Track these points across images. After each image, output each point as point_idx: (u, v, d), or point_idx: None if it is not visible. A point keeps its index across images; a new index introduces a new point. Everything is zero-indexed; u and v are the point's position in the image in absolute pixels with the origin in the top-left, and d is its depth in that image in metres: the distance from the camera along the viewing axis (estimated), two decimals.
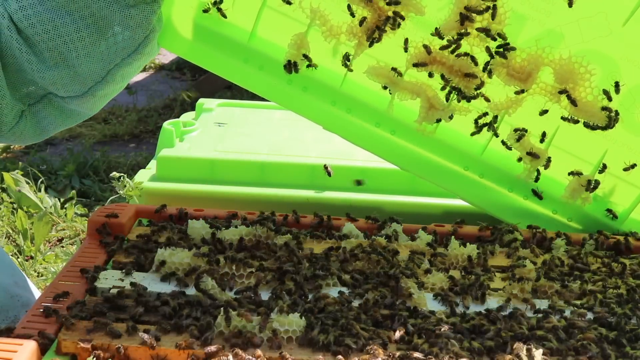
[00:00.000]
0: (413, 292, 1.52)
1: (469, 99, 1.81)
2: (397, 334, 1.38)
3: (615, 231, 1.90)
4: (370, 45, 1.79)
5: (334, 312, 1.43)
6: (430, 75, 1.80)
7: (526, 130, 1.85)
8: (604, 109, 1.79)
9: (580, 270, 1.69)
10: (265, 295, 1.51)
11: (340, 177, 2.12)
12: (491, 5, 1.73)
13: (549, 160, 1.86)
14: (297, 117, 2.57)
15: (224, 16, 1.81)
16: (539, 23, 1.78)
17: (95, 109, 1.86)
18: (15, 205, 4.05)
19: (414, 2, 1.76)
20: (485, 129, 1.85)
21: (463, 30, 1.75)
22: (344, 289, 1.54)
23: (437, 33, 1.76)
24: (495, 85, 1.82)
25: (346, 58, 1.80)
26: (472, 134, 1.86)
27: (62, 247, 3.87)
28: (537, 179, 1.88)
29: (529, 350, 1.32)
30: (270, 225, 1.75)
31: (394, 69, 1.81)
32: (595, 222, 1.92)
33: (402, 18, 1.76)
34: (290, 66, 1.81)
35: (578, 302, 1.56)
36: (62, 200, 4.14)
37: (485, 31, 1.74)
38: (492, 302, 1.53)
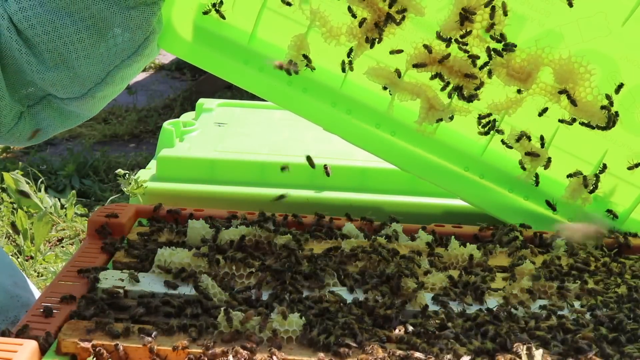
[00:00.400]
0: (413, 292, 1.52)
1: (468, 99, 1.81)
2: (397, 334, 1.38)
3: (615, 231, 1.90)
4: (372, 46, 1.79)
5: (334, 312, 1.43)
6: (433, 77, 1.80)
7: (527, 136, 1.84)
8: (603, 107, 1.79)
9: (580, 270, 1.69)
10: (265, 295, 1.51)
11: (341, 177, 2.12)
12: (491, 6, 1.73)
13: (549, 160, 1.86)
14: (297, 117, 2.57)
15: (223, 17, 1.81)
16: (538, 23, 1.78)
17: (95, 110, 1.86)
18: (15, 205, 4.05)
19: (414, 2, 1.77)
20: (491, 130, 1.84)
21: (463, 32, 1.75)
22: (344, 289, 1.54)
23: (440, 36, 1.76)
24: (495, 86, 1.82)
25: (348, 55, 1.80)
26: (481, 134, 1.85)
27: (62, 247, 3.87)
28: (537, 183, 1.88)
29: (528, 350, 1.32)
30: (270, 225, 1.74)
31: (396, 70, 1.81)
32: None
33: (403, 12, 1.75)
34: (285, 69, 1.81)
35: (578, 302, 1.56)
36: (62, 200, 4.14)
37: (490, 27, 1.73)
38: (492, 302, 1.53)
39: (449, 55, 1.78)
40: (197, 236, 1.72)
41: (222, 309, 1.37)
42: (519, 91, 1.81)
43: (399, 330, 1.39)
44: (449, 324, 1.42)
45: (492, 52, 1.77)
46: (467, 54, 1.78)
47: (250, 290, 1.52)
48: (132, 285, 1.52)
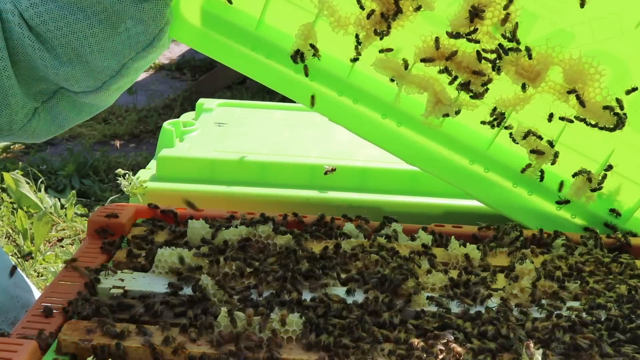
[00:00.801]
0: (413, 292, 1.52)
1: (476, 96, 1.80)
2: (397, 334, 1.38)
3: (618, 230, 1.90)
4: (380, 38, 1.78)
5: (334, 312, 1.43)
6: (441, 72, 1.79)
7: (534, 133, 1.84)
8: (612, 111, 1.78)
9: (579, 270, 1.69)
10: (265, 295, 1.51)
11: (340, 177, 2.12)
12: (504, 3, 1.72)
13: (556, 155, 1.86)
14: (297, 117, 2.58)
15: (230, 2, 1.80)
16: (550, 22, 1.77)
17: (110, 101, 1.85)
18: (15, 205, 4.05)
19: None
20: (499, 122, 1.84)
21: (472, 28, 1.74)
22: (344, 289, 1.54)
23: (450, 35, 1.76)
24: (504, 82, 1.81)
25: (355, 46, 1.79)
26: (488, 123, 1.84)
27: (62, 247, 3.87)
28: (541, 178, 1.88)
29: (528, 350, 1.32)
30: (270, 225, 1.74)
31: (404, 60, 1.80)
32: (598, 219, 1.91)
33: (418, 9, 1.74)
34: (297, 56, 1.81)
35: (577, 302, 1.56)
36: (62, 200, 4.14)
37: (503, 20, 1.72)
38: (492, 302, 1.53)
39: (456, 52, 1.77)
40: (197, 236, 1.72)
41: (223, 309, 1.37)
42: (523, 87, 1.79)
43: (399, 331, 1.39)
44: (449, 324, 1.42)
45: (500, 51, 1.76)
46: (475, 52, 1.77)
47: (250, 290, 1.52)
48: (132, 285, 1.52)
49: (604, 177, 1.87)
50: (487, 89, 1.80)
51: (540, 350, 1.34)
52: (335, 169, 2.08)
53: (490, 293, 1.56)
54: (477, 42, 1.76)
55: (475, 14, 1.73)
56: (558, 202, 1.90)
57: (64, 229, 4.00)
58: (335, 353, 1.31)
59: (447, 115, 1.83)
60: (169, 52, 7.68)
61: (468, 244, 1.74)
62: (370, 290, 1.53)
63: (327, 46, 1.82)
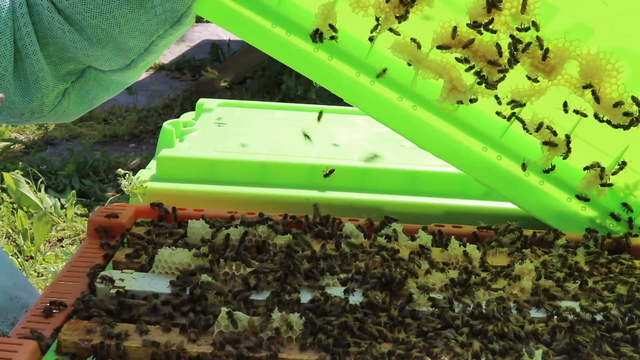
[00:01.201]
0: (413, 292, 1.52)
1: (490, 85, 1.80)
2: (397, 334, 1.38)
3: (621, 219, 1.90)
4: (399, 22, 1.77)
5: (334, 313, 1.43)
6: (457, 60, 1.79)
7: (547, 126, 1.84)
8: (624, 113, 1.78)
9: (579, 270, 1.69)
10: (265, 295, 1.51)
11: (341, 177, 2.12)
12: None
13: (568, 150, 1.85)
14: (297, 117, 2.58)
15: None
16: (569, 16, 1.76)
17: (136, 77, 1.87)
18: (15, 205, 4.05)
19: None
20: (516, 108, 1.83)
21: (489, 18, 1.74)
22: (344, 289, 1.54)
23: (470, 25, 1.75)
24: (520, 72, 1.80)
25: (374, 27, 1.79)
26: (502, 114, 1.83)
27: (62, 247, 3.87)
28: (552, 168, 1.87)
29: (529, 350, 1.32)
30: (270, 225, 1.74)
31: (413, 40, 1.79)
32: (608, 212, 1.91)
33: None
34: (316, 35, 1.81)
35: (577, 302, 1.56)
36: (62, 200, 4.15)
37: (523, 6, 1.72)
38: (492, 302, 1.52)
39: (472, 40, 1.77)
40: (197, 236, 1.72)
41: (223, 309, 1.37)
42: (535, 80, 1.78)
43: (398, 331, 1.40)
44: (449, 324, 1.42)
45: (514, 44, 1.76)
46: (493, 42, 1.77)
47: (250, 290, 1.52)
48: (132, 285, 1.52)
49: (615, 172, 1.86)
50: (502, 78, 1.79)
51: (540, 350, 1.34)
52: (333, 170, 2.08)
53: (490, 293, 1.56)
54: (494, 32, 1.76)
55: (493, 4, 1.73)
56: (578, 197, 1.90)
57: (64, 229, 4.00)
58: (335, 353, 1.31)
59: (460, 102, 1.83)
60: (169, 52, 7.69)
61: (468, 244, 1.74)
62: (370, 290, 1.53)
63: (347, 25, 1.82)
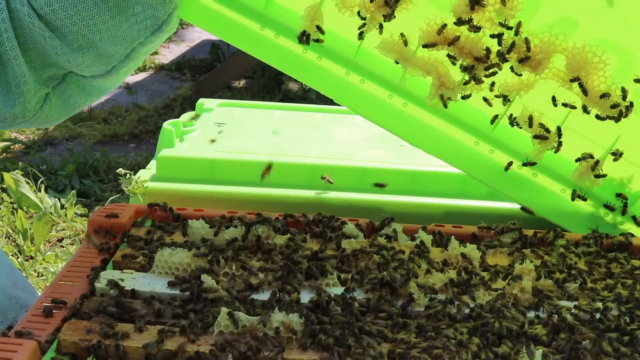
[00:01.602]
0: (413, 292, 1.52)
1: (478, 80, 1.80)
2: (397, 334, 1.38)
3: (615, 210, 1.90)
4: (385, 20, 1.77)
5: (334, 312, 1.43)
6: (450, 57, 1.79)
7: (538, 121, 1.84)
8: (611, 105, 1.78)
9: (579, 270, 1.69)
10: (265, 295, 1.51)
11: (341, 177, 2.12)
12: None
13: (559, 144, 1.85)
14: (297, 117, 2.58)
15: None
16: (553, 10, 1.76)
17: (118, 83, 1.86)
18: (15, 205, 4.05)
19: None
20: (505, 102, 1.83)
21: (473, 15, 1.74)
22: (344, 289, 1.54)
23: (456, 22, 1.75)
24: (507, 66, 1.80)
25: (360, 28, 1.79)
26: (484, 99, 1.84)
27: (62, 247, 3.87)
28: (533, 163, 1.87)
29: (528, 350, 1.32)
30: (270, 225, 1.74)
31: (401, 35, 1.78)
32: (602, 202, 1.92)
33: None
34: (303, 37, 1.81)
35: (577, 302, 1.56)
36: (62, 200, 4.15)
37: (503, 2, 1.71)
38: (492, 302, 1.52)
39: (458, 37, 1.77)
40: (197, 236, 1.72)
41: (223, 309, 1.37)
42: (518, 74, 1.78)
43: (398, 330, 1.40)
44: (449, 324, 1.42)
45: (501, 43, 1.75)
46: (479, 38, 1.77)
47: (250, 290, 1.52)
48: (132, 285, 1.52)
49: (599, 163, 1.86)
50: (493, 74, 1.79)
51: (540, 350, 1.34)
52: (332, 182, 2.08)
53: (490, 293, 1.56)
54: (479, 29, 1.75)
55: (476, 1, 1.73)
56: (579, 197, 1.90)
57: (64, 229, 4.01)
58: (335, 353, 1.31)
59: (449, 99, 1.83)
60: (169, 52, 7.69)
61: (468, 244, 1.74)
62: (370, 290, 1.53)
63: (334, 25, 1.81)
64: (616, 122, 1.80)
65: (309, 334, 1.36)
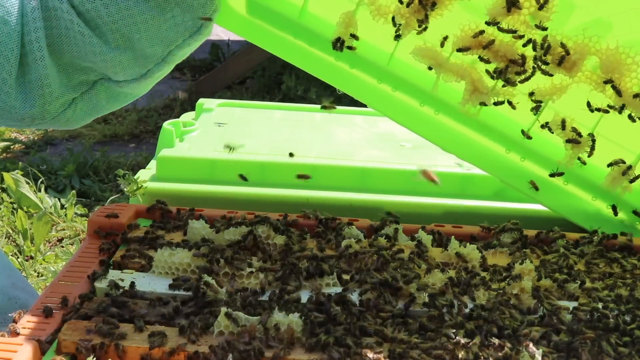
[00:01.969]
0: (413, 292, 1.52)
1: (511, 83, 1.81)
2: (397, 334, 1.38)
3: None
4: (419, 26, 1.78)
5: (334, 312, 1.43)
6: (480, 59, 1.80)
7: (571, 125, 1.84)
8: None
9: (579, 270, 1.69)
10: (265, 295, 1.51)
11: (341, 177, 2.12)
12: None
13: (592, 148, 1.86)
14: (297, 117, 2.58)
15: None
16: (587, 11, 1.76)
17: (146, 89, 1.87)
18: (15, 205, 4.06)
19: None
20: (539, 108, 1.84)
21: (509, 17, 1.74)
22: (343, 289, 1.54)
23: (488, 23, 1.75)
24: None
25: (395, 34, 1.80)
26: (532, 109, 1.84)
27: (62, 247, 3.87)
28: (560, 174, 1.88)
29: (528, 350, 1.32)
30: (270, 225, 1.74)
31: (444, 39, 1.79)
32: (632, 209, 1.92)
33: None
34: (337, 43, 1.82)
35: (577, 302, 1.56)
36: (62, 200, 4.15)
37: (540, 6, 1.72)
38: (492, 302, 1.53)
39: (493, 41, 1.78)
40: (197, 236, 1.72)
41: (223, 309, 1.37)
42: (549, 74, 1.78)
43: (398, 330, 1.39)
44: (449, 324, 1.42)
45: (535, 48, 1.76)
46: (513, 41, 1.77)
47: (250, 291, 1.52)
48: (132, 285, 1.52)
49: (631, 167, 1.86)
50: (528, 78, 1.80)
51: (540, 350, 1.34)
52: (309, 177, 2.07)
53: (490, 293, 1.56)
54: (514, 32, 1.76)
55: (512, 3, 1.73)
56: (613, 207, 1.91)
57: (64, 229, 4.01)
58: (335, 353, 1.31)
59: (484, 104, 1.84)
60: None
61: (468, 244, 1.74)
62: (370, 290, 1.53)
63: (367, 33, 1.83)
64: None
65: (309, 334, 1.36)
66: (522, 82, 1.80)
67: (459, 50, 1.79)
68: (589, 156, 1.87)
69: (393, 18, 1.78)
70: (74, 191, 4.18)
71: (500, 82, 1.81)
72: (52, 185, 4.64)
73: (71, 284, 1.52)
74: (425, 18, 1.77)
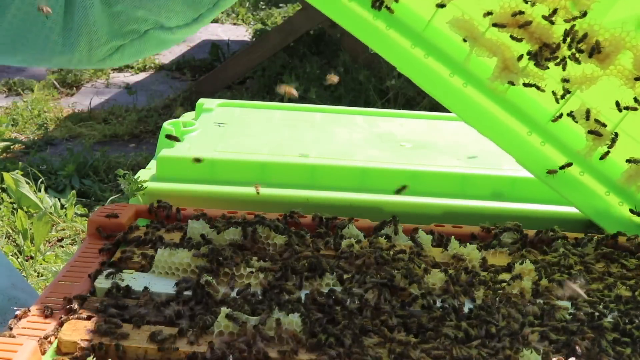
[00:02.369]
0: (413, 292, 1.52)
1: (541, 65, 1.81)
2: (397, 334, 1.38)
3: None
4: None
5: (333, 312, 1.43)
6: (513, 38, 1.80)
7: (595, 115, 1.84)
8: None
9: (579, 270, 1.69)
10: (265, 295, 1.51)
11: (341, 177, 2.12)
12: None
13: (613, 140, 1.86)
14: (297, 117, 2.58)
15: None
16: (628, 6, 1.77)
17: (193, 33, 1.88)
18: (15, 205, 4.06)
19: None
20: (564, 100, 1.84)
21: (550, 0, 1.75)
22: (344, 289, 1.54)
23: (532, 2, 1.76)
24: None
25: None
26: (558, 99, 1.85)
27: (62, 247, 3.87)
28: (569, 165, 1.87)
29: (529, 350, 1.32)
30: (270, 225, 1.74)
31: (488, 13, 1.80)
32: None
33: None
34: (377, 3, 1.83)
35: (577, 302, 1.56)
36: (62, 200, 4.15)
37: None
38: (492, 302, 1.53)
39: (530, 22, 1.78)
40: (197, 236, 1.72)
41: (223, 309, 1.37)
42: (577, 61, 1.78)
43: (398, 330, 1.40)
44: (448, 324, 1.42)
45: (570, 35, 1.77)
46: (550, 25, 1.78)
47: (250, 290, 1.52)
48: (132, 285, 1.52)
49: None
50: (559, 64, 1.80)
51: (540, 350, 1.34)
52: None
53: (490, 293, 1.56)
54: (554, 13, 1.76)
55: None
56: (631, 211, 1.90)
57: (64, 229, 4.01)
58: (335, 352, 1.31)
59: (512, 83, 1.85)
60: (169, 52, 7.69)
61: (468, 244, 1.74)
62: (370, 290, 1.53)
63: None
64: None
65: (309, 334, 1.36)
66: (556, 64, 1.80)
67: (494, 25, 1.80)
68: (609, 147, 1.87)
69: None
70: (74, 191, 4.18)
71: (532, 64, 1.82)
72: (52, 185, 4.64)
73: (71, 284, 1.52)
74: None
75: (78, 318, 1.39)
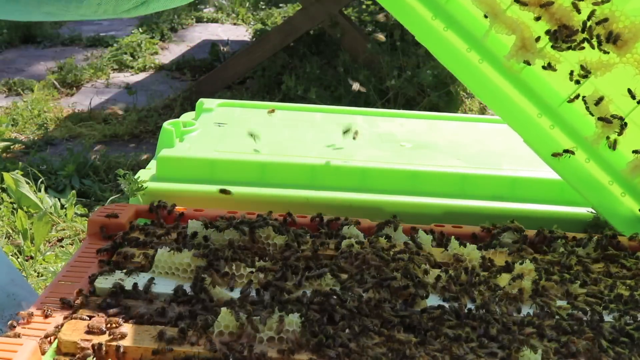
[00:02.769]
0: (412, 292, 1.52)
1: (559, 47, 1.83)
2: (397, 334, 1.38)
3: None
4: None
5: (333, 312, 1.43)
6: (536, 19, 1.82)
7: (606, 102, 1.84)
8: None
9: (579, 270, 1.69)
10: (265, 295, 1.51)
11: (341, 177, 2.12)
12: None
13: (622, 128, 1.86)
14: (297, 117, 2.58)
15: None
16: None
17: None
18: (15, 205, 4.05)
19: None
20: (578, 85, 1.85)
21: None
22: (343, 289, 1.54)
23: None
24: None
25: None
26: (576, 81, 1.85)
27: (62, 247, 3.87)
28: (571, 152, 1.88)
29: (528, 349, 1.32)
30: (270, 225, 1.74)
31: None
32: None
33: None
34: None
35: (577, 302, 1.56)
36: (62, 200, 4.14)
37: None
38: (492, 302, 1.53)
39: (552, 2, 1.80)
40: (197, 236, 1.71)
41: (223, 309, 1.37)
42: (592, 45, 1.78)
43: (398, 330, 1.39)
44: (448, 324, 1.42)
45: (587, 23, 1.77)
46: (571, 8, 1.79)
47: (250, 290, 1.52)
48: (132, 285, 1.52)
49: None
50: (576, 46, 1.81)
51: (540, 350, 1.34)
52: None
53: (490, 293, 1.56)
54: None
55: None
56: None
57: (64, 229, 4.00)
58: (335, 353, 1.31)
59: (528, 62, 1.86)
60: (169, 52, 7.69)
61: (468, 244, 1.74)
62: (370, 290, 1.53)
63: None
64: None
65: (309, 334, 1.35)
66: (570, 48, 1.81)
67: (517, 1, 1.81)
68: (619, 135, 1.87)
69: None
70: (74, 191, 4.18)
71: (549, 46, 1.83)
72: (52, 185, 4.64)
73: (71, 284, 1.52)
74: None
75: (78, 318, 1.39)
